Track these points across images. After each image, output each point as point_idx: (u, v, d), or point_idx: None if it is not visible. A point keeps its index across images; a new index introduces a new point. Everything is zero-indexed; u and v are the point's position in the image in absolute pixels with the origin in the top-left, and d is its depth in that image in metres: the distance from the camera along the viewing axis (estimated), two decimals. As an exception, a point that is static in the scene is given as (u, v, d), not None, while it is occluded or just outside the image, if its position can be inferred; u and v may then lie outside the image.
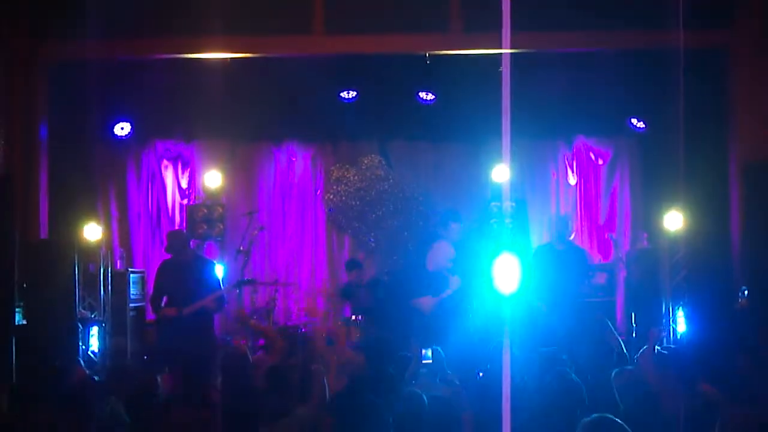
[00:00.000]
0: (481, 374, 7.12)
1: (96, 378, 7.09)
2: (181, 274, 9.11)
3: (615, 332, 9.02)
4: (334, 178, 11.84)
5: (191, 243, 9.68)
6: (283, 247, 11.80)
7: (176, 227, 11.37)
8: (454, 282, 9.19)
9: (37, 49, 9.93)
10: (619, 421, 4.26)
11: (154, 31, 9.87)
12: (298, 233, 11.84)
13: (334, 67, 10.72)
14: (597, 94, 11.05)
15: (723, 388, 6.13)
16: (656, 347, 7.77)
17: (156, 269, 9.50)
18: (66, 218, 10.16)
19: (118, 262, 10.58)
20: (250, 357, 7.31)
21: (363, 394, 5.48)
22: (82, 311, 9.03)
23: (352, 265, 10.70)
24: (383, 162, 11.89)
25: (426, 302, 9.19)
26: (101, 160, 11.53)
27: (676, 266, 9.53)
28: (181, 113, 11.15)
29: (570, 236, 9.82)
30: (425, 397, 5.45)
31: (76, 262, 8.69)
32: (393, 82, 10.84)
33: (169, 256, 9.38)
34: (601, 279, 10.73)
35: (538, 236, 11.66)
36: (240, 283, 9.53)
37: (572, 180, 11.84)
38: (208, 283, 9.11)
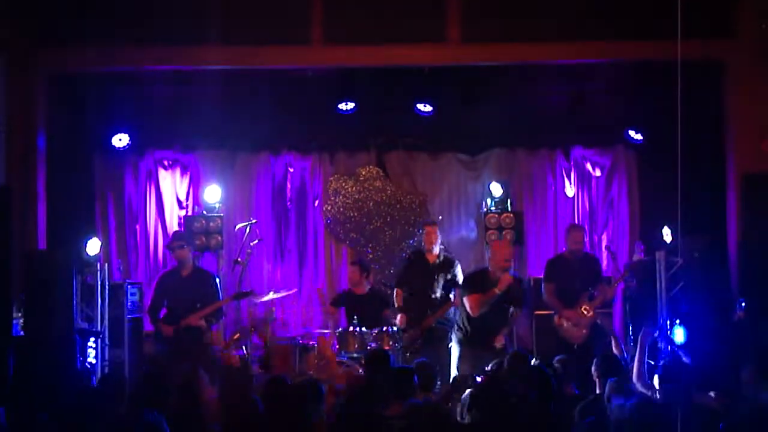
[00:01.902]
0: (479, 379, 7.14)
1: (94, 389, 7.07)
2: (180, 286, 9.12)
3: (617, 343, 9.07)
4: (332, 189, 11.84)
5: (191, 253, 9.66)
6: (281, 258, 11.79)
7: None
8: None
9: (36, 59, 9.95)
10: None
11: (153, 41, 9.89)
12: (296, 244, 11.83)
13: (332, 78, 10.75)
14: (595, 106, 11.08)
15: (720, 400, 6.15)
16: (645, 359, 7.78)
17: (156, 279, 9.49)
18: (64, 229, 10.16)
19: (116, 273, 10.56)
20: (250, 369, 7.30)
21: (362, 406, 5.47)
22: (80, 323, 9.01)
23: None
24: (381, 173, 11.89)
25: (474, 300, 8.68)
26: (100, 171, 11.53)
27: (674, 278, 9.54)
28: (180, 124, 11.17)
29: (583, 245, 9.73)
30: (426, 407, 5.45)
31: (74, 273, 8.69)
32: (391, 93, 10.87)
33: (169, 268, 9.39)
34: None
35: (536, 248, 11.69)
36: (239, 296, 9.51)
37: (570, 191, 11.84)
38: (208, 296, 9.12)
